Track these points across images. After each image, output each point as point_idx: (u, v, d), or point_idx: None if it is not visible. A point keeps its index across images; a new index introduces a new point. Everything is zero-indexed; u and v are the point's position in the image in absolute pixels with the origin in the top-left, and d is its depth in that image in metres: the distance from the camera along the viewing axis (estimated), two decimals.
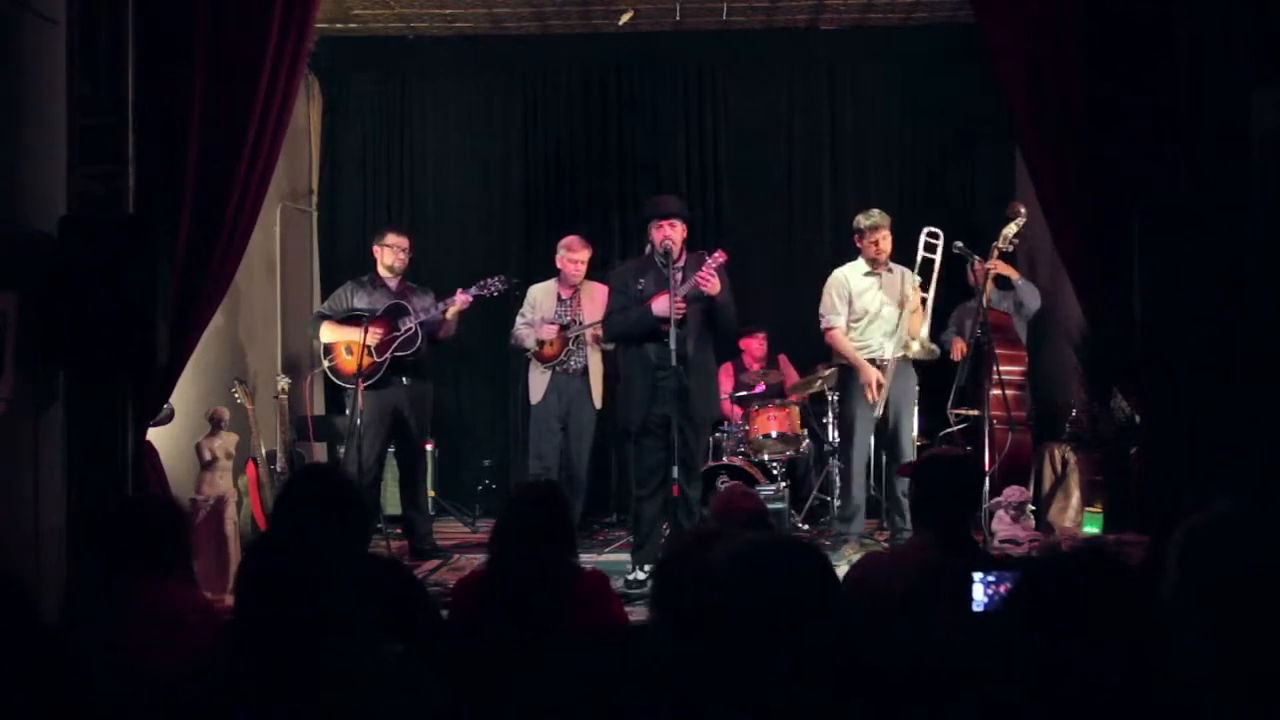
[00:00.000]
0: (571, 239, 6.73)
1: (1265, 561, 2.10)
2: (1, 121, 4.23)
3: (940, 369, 6.60)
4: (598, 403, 6.73)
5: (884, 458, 6.51)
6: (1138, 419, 5.11)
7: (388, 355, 6.24)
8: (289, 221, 7.93)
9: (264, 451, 6.32)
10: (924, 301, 6.25)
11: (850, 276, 6.34)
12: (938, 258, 6.29)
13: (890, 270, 6.30)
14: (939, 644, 2.56)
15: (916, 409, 6.42)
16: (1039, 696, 1.79)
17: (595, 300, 6.68)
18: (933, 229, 6.36)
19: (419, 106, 8.47)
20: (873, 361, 6.19)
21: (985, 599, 2.75)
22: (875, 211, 6.34)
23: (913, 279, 6.28)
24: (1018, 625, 1.86)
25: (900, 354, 6.16)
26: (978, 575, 2.74)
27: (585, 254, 6.67)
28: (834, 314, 6.33)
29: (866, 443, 6.31)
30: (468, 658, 2.95)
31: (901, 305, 6.21)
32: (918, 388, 6.38)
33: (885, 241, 6.23)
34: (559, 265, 6.71)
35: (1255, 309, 4.27)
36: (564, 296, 6.71)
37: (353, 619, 2.21)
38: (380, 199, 8.46)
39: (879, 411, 6.15)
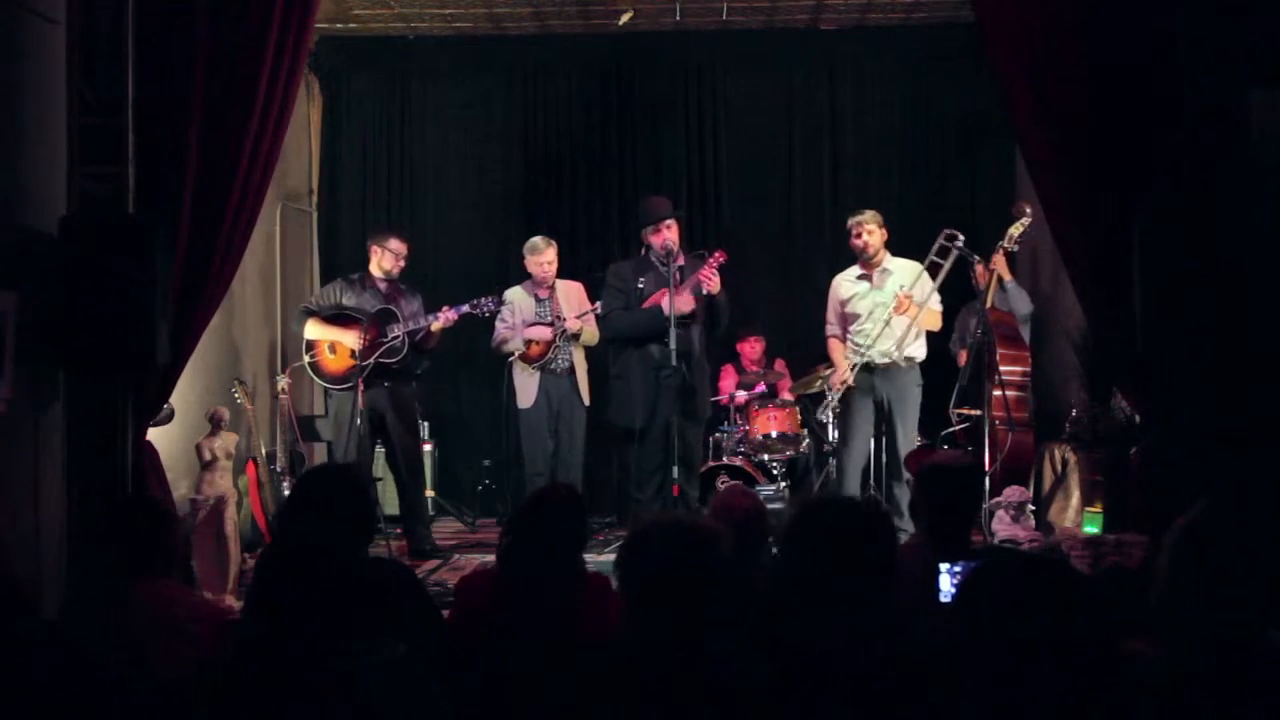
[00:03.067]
0: (534, 241, 6.73)
1: (1248, 559, 2.11)
2: (1, 122, 4.23)
3: (942, 369, 6.59)
4: (586, 400, 6.73)
5: (883, 460, 6.47)
6: (1138, 419, 5.11)
7: (371, 360, 6.23)
8: (289, 221, 7.93)
9: (264, 451, 6.32)
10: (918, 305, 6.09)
11: (841, 282, 6.29)
12: (947, 264, 6.14)
13: (887, 270, 6.20)
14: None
15: (917, 413, 6.33)
16: (989, 680, 1.81)
17: (570, 297, 6.69)
18: (951, 230, 6.13)
19: (419, 106, 8.47)
20: (868, 365, 6.12)
21: (953, 589, 2.76)
22: (866, 210, 6.27)
23: (932, 293, 6.11)
24: (968, 613, 1.88)
25: (886, 360, 6.06)
26: (944, 566, 2.76)
27: (550, 253, 6.67)
28: (829, 323, 6.34)
29: (864, 447, 6.25)
30: (470, 658, 2.95)
31: (898, 310, 6.04)
32: (919, 390, 6.24)
33: (870, 235, 6.11)
34: (528, 268, 6.71)
35: (1255, 309, 4.26)
36: (541, 297, 6.71)
37: (356, 620, 2.21)
38: (380, 199, 8.47)
39: (834, 394, 6.16)
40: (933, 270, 6.17)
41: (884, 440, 6.28)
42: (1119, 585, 2.95)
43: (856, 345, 6.18)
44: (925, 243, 6.29)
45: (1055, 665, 1.78)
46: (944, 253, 6.17)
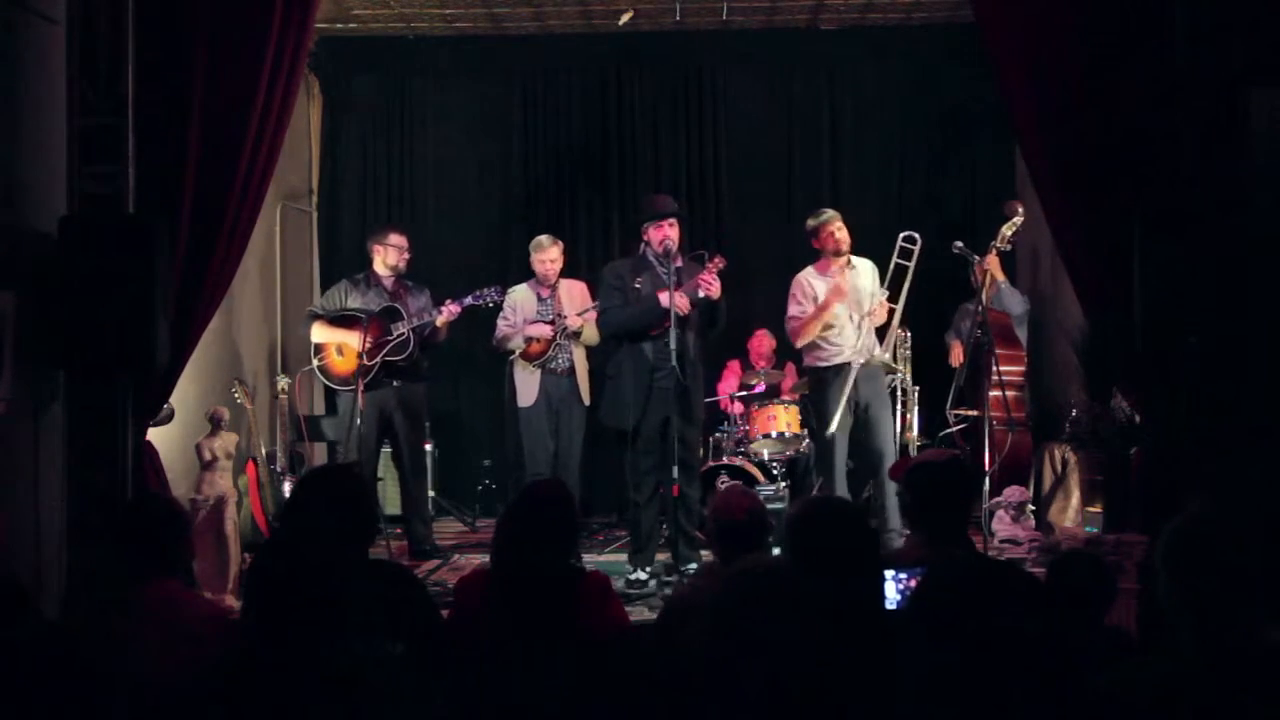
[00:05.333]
0: (541, 239, 6.73)
1: (1236, 560, 2.11)
2: (1, 121, 4.23)
3: (940, 369, 6.59)
4: (586, 400, 6.73)
5: (867, 461, 6.39)
6: (1138, 419, 5.11)
7: (379, 359, 6.24)
8: (289, 221, 7.93)
9: (264, 451, 6.33)
10: (891, 313, 5.95)
11: (813, 280, 6.06)
12: (911, 265, 6.02)
13: (853, 266, 6.05)
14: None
15: (891, 410, 6.21)
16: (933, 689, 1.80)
17: (573, 296, 6.69)
18: (910, 234, 6.07)
19: (419, 106, 8.48)
20: (842, 368, 5.93)
21: (898, 596, 2.74)
22: (823, 210, 6.16)
23: (880, 291, 5.99)
24: (915, 622, 1.86)
25: (863, 360, 5.91)
26: (890, 573, 2.74)
27: (555, 252, 6.67)
28: (798, 312, 6.05)
29: (844, 449, 6.14)
30: (468, 658, 2.95)
31: (870, 313, 5.94)
32: (888, 390, 6.21)
33: (842, 231, 5.99)
34: (533, 266, 6.72)
35: (1255, 309, 4.26)
36: (543, 296, 6.71)
37: (355, 619, 2.21)
38: (380, 199, 8.48)
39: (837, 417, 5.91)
40: (899, 272, 6.05)
41: (861, 443, 6.16)
42: (1072, 574, 2.94)
43: (834, 344, 6.07)
44: (923, 242, 6.27)
45: (1013, 668, 1.76)
46: (905, 254, 6.08)
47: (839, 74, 8.38)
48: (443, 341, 6.57)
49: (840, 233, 6.07)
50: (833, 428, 5.88)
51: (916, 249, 6.05)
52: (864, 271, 6.13)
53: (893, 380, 6.53)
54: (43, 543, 4.31)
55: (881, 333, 6.03)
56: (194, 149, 4.67)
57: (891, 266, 6.08)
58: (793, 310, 6.13)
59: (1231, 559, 2.11)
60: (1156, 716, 2.03)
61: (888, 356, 6.02)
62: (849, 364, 5.97)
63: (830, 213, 6.14)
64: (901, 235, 6.11)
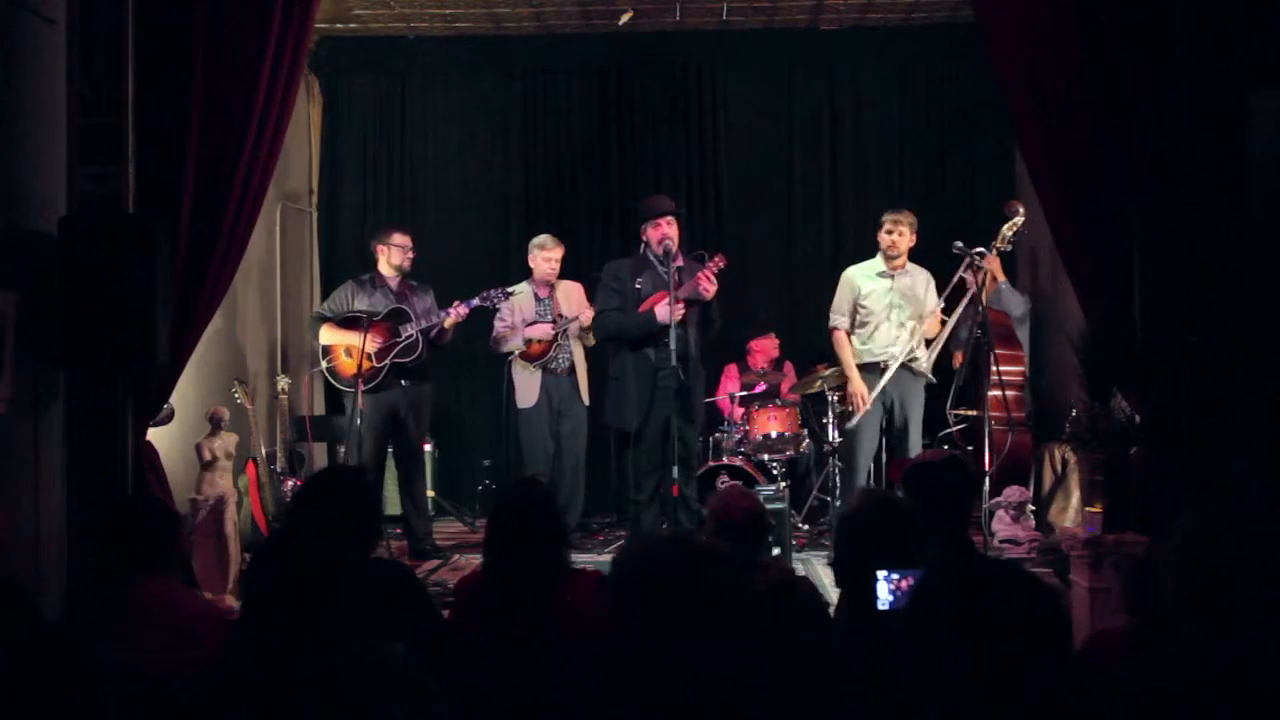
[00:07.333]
0: (544, 237, 6.74)
1: (1255, 562, 2.10)
2: (1, 121, 4.23)
3: (939, 370, 6.59)
4: (586, 400, 6.73)
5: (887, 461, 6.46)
6: (1138, 419, 5.11)
7: (388, 361, 6.24)
8: (289, 221, 7.93)
9: (264, 451, 6.32)
10: (943, 323, 6.08)
11: (859, 276, 6.24)
12: (975, 279, 6.00)
13: (907, 272, 6.18)
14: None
15: (921, 416, 6.33)
16: (935, 696, 1.78)
17: (571, 297, 6.69)
18: (980, 249, 5.99)
19: (419, 106, 8.48)
20: (876, 365, 6.12)
21: (890, 597, 2.73)
22: (905, 210, 6.24)
23: (936, 302, 6.12)
24: (919, 624, 1.84)
25: (904, 361, 6.04)
26: (881, 574, 2.72)
27: (559, 252, 6.68)
28: (839, 314, 6.26)
29: (871, 447, 6.23)
30: (468, 658, 2.95)
31: (919, 317, 6.07)
32: (924, 394, 6.26)
33: (900, 236, 6.09)
34: (532, 264, 6.71)
35: (1255, 309, 4.27)
36: (542, 296, 6.71)
37: (355, 619, 2.21)
38: (380, 199, 8.48)
39: (859, 416, 6.05)
40: (961, 285, 6.12)
41: (888, 441, 6.26)
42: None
43: (864, 346, 6.16)
44: (923, 242, 6.28)
45: (1016, 672, 1.75)
46: (970, 267, 6.07)
47: (839, 74, 8.37)
48: (449, 342, 6.57)
49: (898, 236, 6.12)
50: (853, 422, 6.02)
51: (985, 263, 6.01)
52: (916, 280, 6.17)
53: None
54: (42, 543, 4.31)
55: (928, 344, 6.14)
56: (194, 149, 4.67)
57: (955, 280, 6.11)
58: (832, 308, 6.30)
59: (1241, 561, 2.10)
60: (1161, 717, 2.03)
61: (927, 367, 6.06)
62: (881, 364, 6.02)
63: (904, 214, 6.19)
64: (975, 250, 6.05)
